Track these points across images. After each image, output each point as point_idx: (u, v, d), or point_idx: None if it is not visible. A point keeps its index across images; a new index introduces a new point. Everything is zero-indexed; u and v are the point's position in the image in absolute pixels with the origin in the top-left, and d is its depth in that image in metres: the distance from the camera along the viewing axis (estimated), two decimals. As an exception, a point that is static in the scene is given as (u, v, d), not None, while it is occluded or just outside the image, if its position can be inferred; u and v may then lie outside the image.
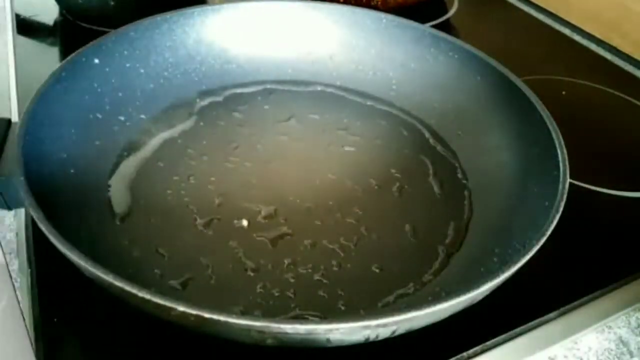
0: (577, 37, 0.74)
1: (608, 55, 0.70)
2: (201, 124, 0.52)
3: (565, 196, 0.37)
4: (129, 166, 0.46)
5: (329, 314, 0.37)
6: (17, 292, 0.38)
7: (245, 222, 0.43)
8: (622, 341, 0.39)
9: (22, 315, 0.31)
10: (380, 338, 0.31)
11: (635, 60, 0.68)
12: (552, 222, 0.35)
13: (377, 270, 0.40)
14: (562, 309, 0.40)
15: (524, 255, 0.33)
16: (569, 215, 0.36)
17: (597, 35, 0.72)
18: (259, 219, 0.43)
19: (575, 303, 0.40)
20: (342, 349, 0.32)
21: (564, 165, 0.40)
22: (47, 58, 0.64)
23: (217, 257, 0.40)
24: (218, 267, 0.40)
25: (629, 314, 0.41)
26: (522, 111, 0.46)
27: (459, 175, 0.49)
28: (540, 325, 0.38)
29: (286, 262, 0.40)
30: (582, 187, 0.49)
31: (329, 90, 0.58)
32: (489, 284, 0.31)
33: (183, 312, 0.28)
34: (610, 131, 0.57)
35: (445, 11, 0.78)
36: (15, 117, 0.52)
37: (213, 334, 0.30)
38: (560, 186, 0.38)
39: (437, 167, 0.50)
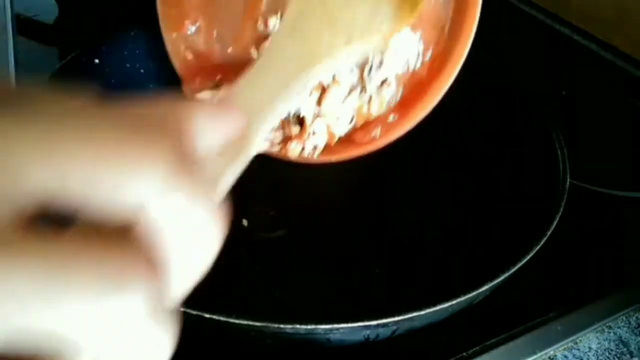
0: (577, 37, 0.74)
1: (608, 55, 0.70)
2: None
3: (565, 196, 0.37)
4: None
5: (329, 314, 0.37)
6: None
7: (245, 222, 0.43)
8: (622, 341, 0.39)
9: None
10: (380, 338, 0.31)
11: (635, 60, 0.68)
12: (552, 222, 0.35)
13: (378, 271, 0.40)
14: (562, 309, 0.39)
15: (524, 255, 0.33)
16: (569, 215, 0.36)
17: (597, 35, 0.72)
18: (259, 219, 0.43)
19: (576, 303, 0.40)
20: (342, 349, 0.32)
21: (564, 165, 0.40)
22: (47, 58, 0.63)
23: (217, 257, 0.40)
24: (218, 267, 0.40)
25: (629, 314, 0.41)
26: (522, 111, 0.46)
27: (459, 175, 0.49)
28: (540, 325, 0.38)
29: (287, 262, 0.40)
30: (582, 187, 0.49)
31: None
32: (489, 284, 0.31)
33: (183, 312, 0.28)
34: (610, 131, 0.57)
35: (445, 11, 0.78)
36: (15, 117, 0.52)
37: (213, 334, 0.30)
38: (560, 186, 0.38)
39: (436, 167, 0.49)
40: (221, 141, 0.20)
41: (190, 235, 0.16)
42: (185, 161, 0.15)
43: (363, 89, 0.37)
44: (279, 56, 0.27)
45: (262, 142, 0.24)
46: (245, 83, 0.25)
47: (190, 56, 0.42)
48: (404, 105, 0.37)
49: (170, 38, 0.43)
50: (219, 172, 0.20)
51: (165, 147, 0.15)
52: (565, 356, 0.38)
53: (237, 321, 0.27)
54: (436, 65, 0.37)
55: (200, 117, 0.18)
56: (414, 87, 0.38)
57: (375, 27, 0.32)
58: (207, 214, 0.16)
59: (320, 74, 0.29)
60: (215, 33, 0.43)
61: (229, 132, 0.20)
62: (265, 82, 0.25)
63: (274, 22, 0.39)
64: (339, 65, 0.32)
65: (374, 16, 0.33)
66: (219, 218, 0.17)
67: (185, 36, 0.43)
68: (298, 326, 0.28)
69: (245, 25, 0.41)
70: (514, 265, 0.32)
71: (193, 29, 0.43)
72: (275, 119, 0.25)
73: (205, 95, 0.40)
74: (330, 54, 0.29)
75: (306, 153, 0.37)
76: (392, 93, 0.38)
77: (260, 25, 0.40)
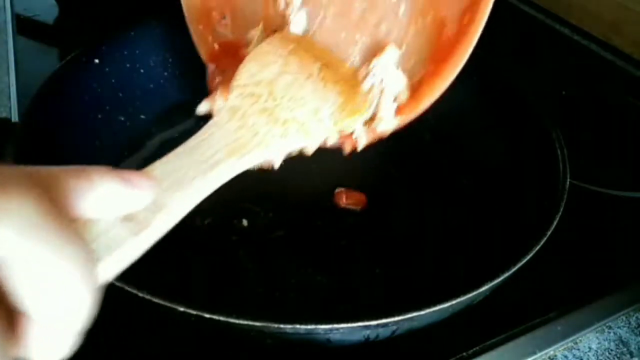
0: (577, 37, 0.74)
1: (608, 55, 0.70)
2: (201, 123, 0.52)
3: (565, 196, 0.37)
4: (129, 166, 0.46)
5: (329, 314, 0.37)
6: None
7: (245, 222, 0.43)
8: (622, 341, 0.39)
9: None
10: (380, 338, 0.31)
11: (635, 60, 0.68)
12: (552, 222, 0.35)
13: (378, 271, 0.40)
14: (562, 309, 0.39)
15: (524, 255, 0.33)
16: (569, 215, 0.36)
17: (597, 35, 0.72)
18: (258, 219, 0.43)
19: (576, 303, 0.40)
20: (342, 349, 0.32)
21: (564, 165, 0.40)
22: (47, 58, 0.63)
23: (217, 257, 0.40)
24: (218, 267, 0.40)
25: (629, 314, 0.41)
26: (522, 111, 0.46)
27: (459, 176, 0.49)
28: (540, 325, 0.38)
29: (287, 262, 0.40)
30: (582, 187, 0.49)
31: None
32: (489, 284, 0.31)
33: (183, 312, 0.28)
34: (610, 131, 0.57)
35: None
36: (15, 117, 0.52)
37: (213, 334, 0.30)
38: (560, 186, 0.38)
39: (436, 168, 0.49)
40: (126, 208, 0.19)
41: (51, 288, 0.15)
42: (52, 215, 0.15)
43: None
44: (210, 140, 0.27)
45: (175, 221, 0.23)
46: (168, 160, 0.25)
47: (217, 46, 0.42)
48: (435, 61, 0.38)
49: (196, 29, 0.43)
50: (119, 238, 0.19)
51: (26, 200, 0.15)
52: (565, 356, 0.38)
53: (237, 321, 0.27)
54: (466, 19, 0.37)
55: (104, 180, 0.18)
56: (442, 45, 0.38)
57: (313, 128, 0.33)
58: (72, 271, 0.16)
59: (252, 161, 0.29)
60: (240, 20, 0.43)
61: (135, 200, 0.20)
62: (188, 162, 0.25)
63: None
64: (274, 154, 0.32)
65: (313, 116, 0.33)
66: (90, 279, 0.16)
67: (212, 27, 0.43)
68: (298, 326, 0.28)
69: (267, 5, 0.41)
70: (514, 265, 0.32)
71: (220, 20, 0.43)
72: (195, 200, 0.24)
73: (203, 107, 0.40)
74: (263, 145, 0.29)
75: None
76: None
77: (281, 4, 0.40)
